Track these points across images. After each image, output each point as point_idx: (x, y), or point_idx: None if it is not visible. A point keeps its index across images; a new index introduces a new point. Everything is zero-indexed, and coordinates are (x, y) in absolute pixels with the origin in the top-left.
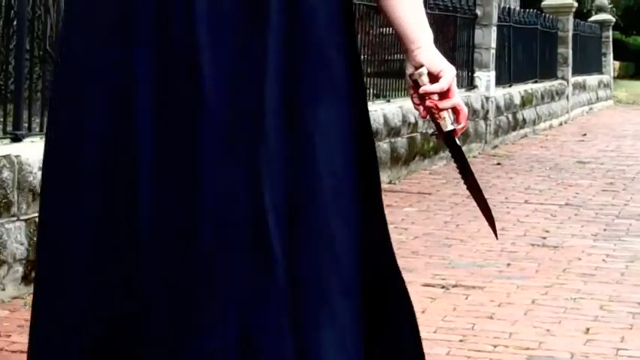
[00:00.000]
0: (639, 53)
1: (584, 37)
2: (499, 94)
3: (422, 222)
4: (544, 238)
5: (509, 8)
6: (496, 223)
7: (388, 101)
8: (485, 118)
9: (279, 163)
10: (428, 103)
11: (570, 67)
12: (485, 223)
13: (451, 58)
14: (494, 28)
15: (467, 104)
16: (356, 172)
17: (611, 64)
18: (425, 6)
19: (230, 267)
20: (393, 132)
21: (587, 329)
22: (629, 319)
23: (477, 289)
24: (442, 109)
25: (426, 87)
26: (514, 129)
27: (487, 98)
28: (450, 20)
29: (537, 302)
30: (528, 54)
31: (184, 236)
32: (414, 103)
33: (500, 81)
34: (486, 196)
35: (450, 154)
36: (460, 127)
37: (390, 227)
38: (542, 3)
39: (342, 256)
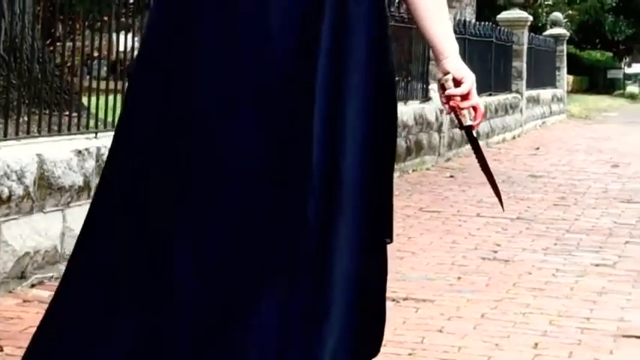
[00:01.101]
0: (593, 68)
1: (538, 50)
2: None
3: None
4: (495, 251)
5: (465, 21)
6: (448, 236)
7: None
8: (439, 130)
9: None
10: (452, 103)
11: (524, 81)
12: (438, 237)
13: (406, 70)
14: None
15: (421, 116)
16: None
17: (565, 79)
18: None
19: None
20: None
21: (536, 344)
22: (577, 335)
23: (428, 302)
24: (463, 108)
25: (451, 90)
26: (468, 142)
27: (441, 111)
28: (406, 32)
29: (487, 316)
30: (483, 67)
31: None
32: (441, 101)
33: None
34: (438, 209)
35: (469, 143)
36: (477, 122)
37: None
38: (498, 16)
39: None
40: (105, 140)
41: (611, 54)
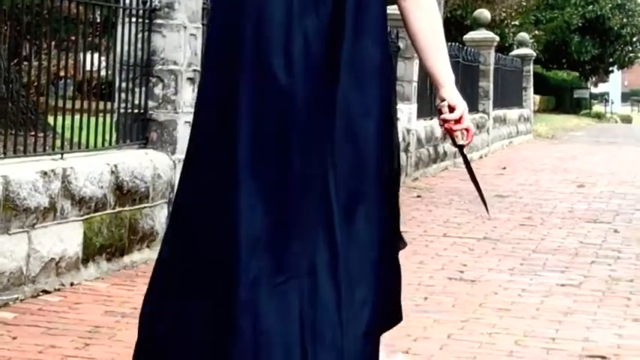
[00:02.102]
0: (560, 87)
1: (505, 70)
2: (420, 126)
3: None
4: (461, 272)
5: None
6: (415, 256)
7: None
8: (407, 150)
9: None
10: (447, 125)
11: (491, 101)
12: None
13: None
14: (417, 61)
15: None
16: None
17: (532, 98)
18: None
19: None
20: None
21: None
22: (543, 355)
23: None
24: (456, 130)
25: (445, 115)
26: (435, 161)
27: (408, 130)
28: None
29: (453, 337)
30: None
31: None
32: (439, 123)
33: (421, 113)
34: (405, 229)
35: (461, 158)
36: (467, 142)
37: None
38: (465, 36)
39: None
40: (71, 161)
41: (577, 74)
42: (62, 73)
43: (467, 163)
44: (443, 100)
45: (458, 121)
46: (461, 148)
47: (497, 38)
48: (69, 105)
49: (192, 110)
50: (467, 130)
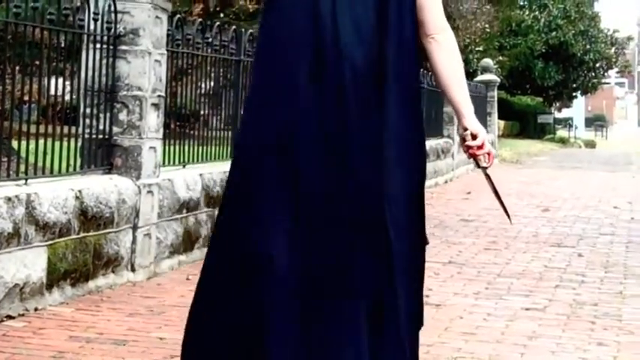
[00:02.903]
0: (524, 113)
1: (470, 96)
2: None
3: None
4: (427, 296)
5: None
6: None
7: None
8: None
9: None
10: (470, 151)
11: (456, 126)
12: None
13: None
14: None
15: None
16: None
17: (496, 124)
18: None
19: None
20: None
21: None
22: None
23: None
24: (479, 155)
25: (469, 142)
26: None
27: None
28: None
29: None
30: None
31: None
32: (463, 149)
33: None
34: None
35: (485, 177)
36: (489, 164)
37: None
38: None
39: None
40: (36, 187)
41: (541, 99)
42: (26, 98)
43: (490, 181)
44: (465, 129)
45: (480, 146)
46: (484, 169)
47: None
48: (33, 129)
49: (157, 136)
50: (488, 154)
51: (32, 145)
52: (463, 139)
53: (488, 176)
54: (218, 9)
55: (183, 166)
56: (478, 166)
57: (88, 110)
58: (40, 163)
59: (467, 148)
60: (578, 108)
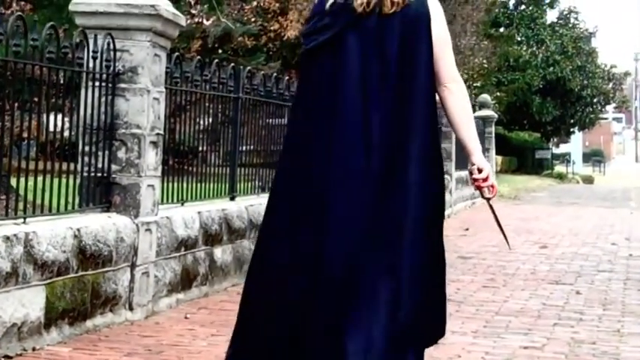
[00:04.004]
0: (521, 148)
1: None
2: None
3: None
4: None
5: None
6: None
7: None
8: None
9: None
10: (476, 183)
11: (454, 162)
12: None
13: None
14: None
15: None
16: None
17: (494, 159)
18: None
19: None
20: None
21: None
22: None
23: None
24: (484, 187)
25: (475, 175)
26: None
27: None
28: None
29: None
30: None
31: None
32: (470, 182)
33: None
34: None
35: (489, 207)
36: (492, 195)
37: None
38: None
39: None
40: (34, 225)
41: (539, 135)
42: (25, 135)
43: (492, 210)
44: (473, 164)
45: (485, 179)
46: (488, 199)
47: None
48: (32, 166)
49: (156, 174)
50: (492, 186)
51: (31, 182)
52: (471, 173)
53: (491, 206)
54: (216, 45)
55: (182, 204)
56: (482, 196)
57: (86, 148)
58: (38, 201)
59: (474, 181)
60: (576, 143)
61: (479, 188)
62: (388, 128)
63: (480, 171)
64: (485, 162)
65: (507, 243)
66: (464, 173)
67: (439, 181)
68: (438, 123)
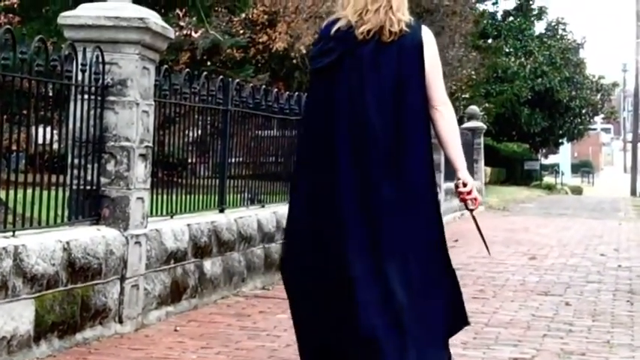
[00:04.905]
0: (510, 159)
1: None
2: None
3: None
4: None
5: None
6: None
7: (263, 206)
8: None
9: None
10: (461, 196)
11: (442, 174)
12: None
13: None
14: None
15: None
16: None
17: (483, 170)
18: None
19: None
20: (267, 237)
21: None
22: None
23: None
24: (467, 200)
25: (461, 189)
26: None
27: None
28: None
29: None
30: None
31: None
32: (456, 195)
33: None
34: None
35: (472, 219)
36: (475, 207)
37: (262, 334)
38: None
39: None
40: (23, 238)
41: (527, 146)
42: (14, 147)
43: (475, 220)
44: (459, 179)
45: (469, 193)
46: (471, 210)
47: None
48: (21, 179)
49: (145, 186)
50: (475, 199)
51: (20, 195)
52: (457, 186)
53: (474, 217)
54: (205, 57)
55: (171, 217)
56: (467, 207)
57: (76, 161)
58: (27, 214)
59: (459, 194)
60: (565, 154)
61: (463, 201)
62: (386, 141)
63: (464, 185)
64: (470, 177)
65: (487, 250)
66: (453, 184)
67: (434, 197)
68: (431, 138)
